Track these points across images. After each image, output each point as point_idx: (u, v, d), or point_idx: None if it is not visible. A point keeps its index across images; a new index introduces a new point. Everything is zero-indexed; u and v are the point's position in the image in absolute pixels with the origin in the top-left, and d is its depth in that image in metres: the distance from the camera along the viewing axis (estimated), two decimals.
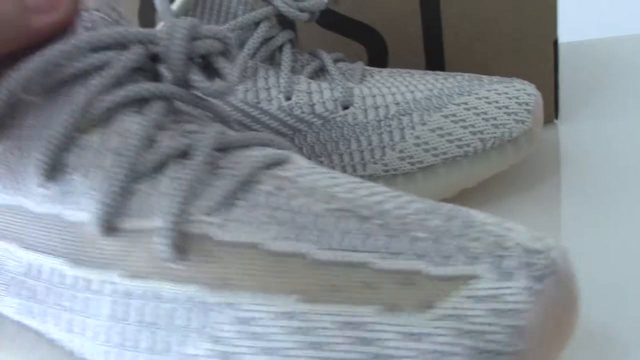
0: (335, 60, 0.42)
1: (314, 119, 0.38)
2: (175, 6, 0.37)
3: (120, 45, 0.26)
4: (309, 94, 0.38)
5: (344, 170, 0.38)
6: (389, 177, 0.38)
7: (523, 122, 0.39)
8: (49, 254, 0.25)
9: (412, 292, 0.21)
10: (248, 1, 0.40)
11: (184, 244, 0.23)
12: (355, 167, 0.38)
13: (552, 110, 0.48)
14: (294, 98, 0.38)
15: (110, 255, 0.24)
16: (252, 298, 0.22)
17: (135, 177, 0.24)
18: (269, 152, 0.26)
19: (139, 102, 0.26)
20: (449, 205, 0.24)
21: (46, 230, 0.25)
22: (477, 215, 0.23)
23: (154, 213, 0.24)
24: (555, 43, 0.46)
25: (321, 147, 0.38)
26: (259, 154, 0.26)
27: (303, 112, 0.38)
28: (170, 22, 0.26)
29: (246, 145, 0.26)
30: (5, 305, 0.26)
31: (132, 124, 0.25)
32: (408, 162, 0.38)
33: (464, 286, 0.20)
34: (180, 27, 0.26)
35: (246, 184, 0.24)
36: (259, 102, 0.38)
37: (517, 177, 0.43)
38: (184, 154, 0.25)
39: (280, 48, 0.40)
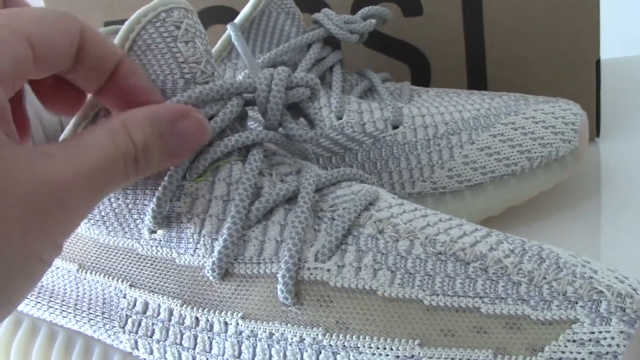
0: (383, 81, 0.43)
1: (365, 138, 0.39)
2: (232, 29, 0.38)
3: (223, 96, 0.27)
4: (360, 114, 0.40)
5: (392, 188, 0.39)
6: (438, 195, 0.39)
7: (570, 141, 0.39)
8: (164, 294, 0.27)
9: (520, 336, 0.22)
10: (300, 24, 0.41)
11: (302, 289, 0.25)
12: (404, 185, 0.39)
13: (593, 128, 0.49)
14: (345, 117, 0.39)
15: (229, 299, 0.26)
16: (373, 342, 0.23)
17: (247, 225, 0.26)
18: (361, 191, 0.28)
19: (240, 149, 0.27)
20: (535, 245, 0.25)
21: (160, 273, 0.27)
22: (562, 254, 0.25)
23: (268, 259, 0.25)
24: (598, 62, 0.47)
25: (371, 165, 0.39)
26: (353, 194, 0.27)
27: (354, 132, 0.39)
28: (267, 72, 0.27)
29: (335, 183, 0.28)
30: (121, 342, 0.28)
31: (237, 172, 0.27)
32: (456, 181, 0.39)
33: (568, 330, 0.22)
34: (277, 78, 0.27)
35: (351, 228, 0.26)
36: (319, 137, 0.39)
37: (559, 195, 0.43)
38: (287, 199, 0.27)
39: (330, 69, 0.42)
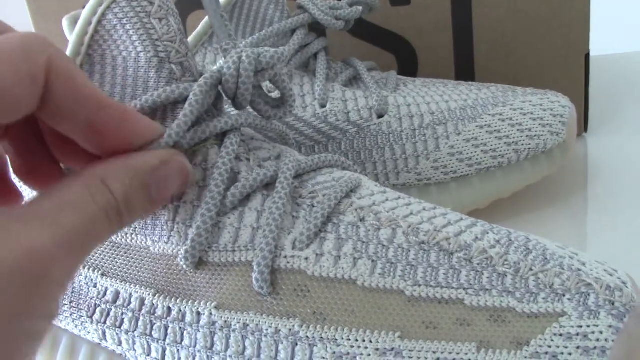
0: (368, 69, 0.42)
1: (349, 127, 0.38)
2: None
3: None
4: (344, 102, 0.38)
5: (376, 179, 0.38)
6: (422, 186, 0.38)
7: (558, 134, 0.39)
8: (136, 284, 0.26)
9: (505, 329, 0.21)
10: (284, 9, 0.40)
11: (278, 278, 0.24)
12: (388, 176, 0.38)
13: (581, 123, 0.48)
14: (328, 106, 0.38)
15: (203, 288, 0.24)
16: (352, 334, 0.22)
17: (223, 211, 0.25)
18: (342, 177, 0.26)
19: (216, 134, 0.26)
20: (521, 236, 0.25)
21: (134, 261, 0.26)
22: (550, 246, 0.24)
23: (244, 247, 0.24)
24: (587, 56, 0.46)
25: (355, 155, 0.38)
26: (334, 181, 0.26)
27: (338, 120, 0.38)
28: (235, 55, 0.26)
29: (316, 169, 0.27)
30: (89, 332, 0.27)
31: (213, 156, 0.26)
32: (442, 172, 0.38)
33: (555, 324, 0.21)
34: (247, 62, 0.25)
35: (331, 215, 0.25)
36: (293, 110, 0.38)
37: (546, 188, 0.43)
38: (265, 185, 0.25)
39: (315, 56, 0.40)
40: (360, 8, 0.41)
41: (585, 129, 0.49)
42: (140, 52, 0.25)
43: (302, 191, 0.25)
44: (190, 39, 0.39)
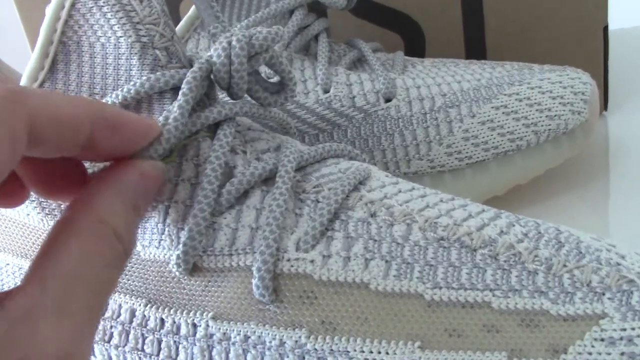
0: (373, 51, 0.39)
1: (355, 113, 0.35)
2: None
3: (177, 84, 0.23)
4: (349, 86, 0.36)
5: (386, 167, 0.36)
6: (435, 174, 0.36)
7: (579, 112, 0.36)
8: (126, 293, 0.23)
9: (539, 335, 0.19)
10: None
11: (281, 284, 0.21)
12: (398, 164, 0.36)
13: (601, 101, 0.45)
14: (332, 90, 0.36)
15: (198, 297, 0.22)
16: (365, 345, 0.20)
17: (218, 210, 0.22)
18: (349, 168, 0.24)
19: (208, 126, 0.24)
20: (551, 227, 0.22)
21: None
22: (583, 238, 0.21)
23: (242, 250, 0.22)
24: (605, 29, 0.43)
25: (362, 142, 0.35)
26: (340, 172, 0.24)
27: (342, 106, 0.35)
28: (224, 41, 0.23)
29: (320, 160, 0.24)
30: None
31: (205, 150, 0.23)
32: (456, 158, 0.35)
33: (595, 327, 0.19)
34: (238, 47, 0.23)
35: (338, 211, 0.22)
36: (294, 96, 0.36)
37: (565, 172, 0.40)
38: (264, 180, 0.23)
39: (315, 38, 0.38)
40: None
41: (606, 107, 0.46)
42: (120, 37, 0.23)
43: (305, 185, 0.23)
44: (181, 23, 0.36)
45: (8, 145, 0.17)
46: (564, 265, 0.20)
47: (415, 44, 0.46)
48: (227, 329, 0.21)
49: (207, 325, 0.22)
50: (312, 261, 0.21)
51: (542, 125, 0.35)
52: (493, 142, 0.35)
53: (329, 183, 0.23)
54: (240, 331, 0.21)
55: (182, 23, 0.36)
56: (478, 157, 0.35)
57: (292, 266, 0.21)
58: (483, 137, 0.35)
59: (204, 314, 0.22)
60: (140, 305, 0.23)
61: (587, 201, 0.38)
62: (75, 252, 0.19)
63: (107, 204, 0.20)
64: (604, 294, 0.19)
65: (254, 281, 0.21)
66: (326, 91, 0.36)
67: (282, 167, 0.22)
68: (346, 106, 0.35)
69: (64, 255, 0.18)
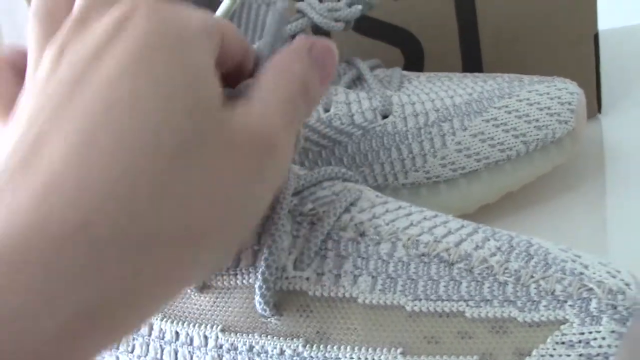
0: (372, 68, 0.42)
1: (354, 130, 0.38)
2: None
3: None
4: (348, 105, 0.38)
5: (385, 179, 0.38)
6: (431, 184, 0.38)
7: (566, 122, 0.38)
8: None
9: (507, 340, 0.21)
10: (283, 14, 0.40)
11: (281, 299, 0.24)
12: (396, 176, 0.38)
13: (594, 105, 0.47)
14: (332, 109, 0.38)
15: (208, 311, 0.25)
16: (354, 352, 0.23)
17: None
18: (342, 191, 0.27)
19: None
20: (523, 240, 0.24)
21: None
22: (552, 249, 0.24)
23: (245, 270, 0.24)
24: (596, 37, 0.45)
25: (362, 157, 0.38)
26: (334, 195, 0.26)
27: (342, 123, 0.38)
28: None
29: (316, 183, 0.27)
30: (103, 358, 0.27)
31: None
32: (450, 169, 0.38)
33: (556, 332, 0.21)
34: None
35: (331, 232, 0.25)
36: None
37: (561, 176, 0.42)
38: None
39: None
40: (360, 7, 0.41)
41: (599, 110, 0.48)
42: None
43: (302, 209, 0.26)
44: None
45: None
46: (531, 276, 0.23)
47: (415, 57, 0.48)
48: (234, 340, 0.24)
49: (217, 337, 0.24)
50: (307, 279, 0.24)
51: (530, 136, 0.38)
52: (484, 153, 0.37)
53: (323, 206, 0.26)
54: (246, 342, 0.24)
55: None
56: (471, 168, 0.38)
57: (290, 283, 0.24)
58: (475, 149, 0.37)
59: (214, 327, 0.25)
60: (157, 319, 0.26)
61: (583, 204, 0.40)
62: (275, 76, 0.22)
63: (284, 59, 0.23)
64: (566, 302, 0.22)
65: (257, 298, 0.24)
66: (327, 110, 0.38)
67: (280, 194, 0.25)
68: (346, 124, 0.38)
69: (269, 77, 0.22)
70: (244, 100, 0.21)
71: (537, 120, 0.38)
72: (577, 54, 0.46)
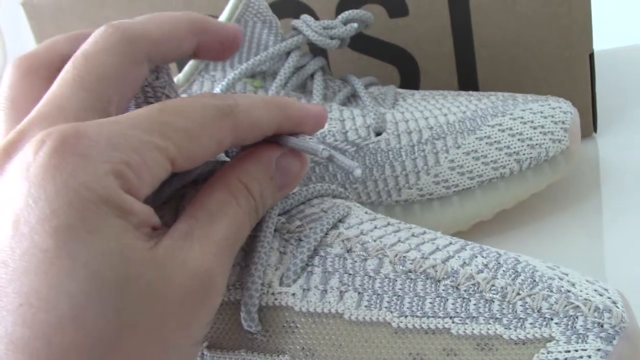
0: (367, 85, 0.42)
1: (347, 147, 0.38)
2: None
3: None
4: (342, 122, 0.39)
5: (378, 196, 0.38)
6: (425, 201, 0.38)
7: (560, 141, 0.38)
8: None
9: (492, 357, 0.21)
10: (278, 32, 0.40)
11: (267, 315, 0.24)
12: (390, 193, 0.38)
13: (590, 124, 0.47)
14: (326, 126, 0.38)
15: None
16: None
17: None
18: (331, 207, 0.27)
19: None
20: (510, 258, 0.24)
21: None
22: (539, 267, 0.24)
23: (232, 286, 0.24)
24: (591, 56, 0.46)
25: None
26: (322, 212, 0.26)
27: (336, 140, 0.38)
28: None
29: (305, 202, 0.27)
30: None
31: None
32: (443, 186, 0.38)
33: (542, 349, 0.21)
34: None
35: (318, 248, 0.25)
36: None
37: (556, 194, 0.42)
38: None
39: (311, 76, 0.41)
40: (355, 25, 0.41)
41: (595, 130, 0.48)
42: None
43: (289, 226, 0.26)
44: (186, 68, 0.39)
45: (216, 147, 0.22)
46: (518, 294, 0.23)
47: (411, 75, 0.48)
48: (220, 357, 0.24)
49: (203, 354, 0.24)
50: (293, 294, 0.24)
51: (523, 154, 0.38)
52: (477, 171, 0.37)
53: (310, 223, 0.26)
54: (232, 358, 0.24)
55: (186, 67, 0.39)
56: (464, 185, 0.38)
57: (275, 299, 0.24)
58: (468, 167, 0.37)
59: (205, 343, 0.24)
60: None
61: (579, 222, 0.40)
62: (224, 195, 0.23)
63: (245, 168, 0.24)
64: (552, 319, 0.22)
65: (242, 314, 0.24)
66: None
67: (266, 213, 0.25)
68: (339, 140, 0.38)
69: (214, 197, 0.22)
70: (183, 231, 0.21)
71: (530, 139, 0.38)
72: (573, 74, 0.46)
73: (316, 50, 0.45)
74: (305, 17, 0.41)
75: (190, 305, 0.20)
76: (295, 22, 0.40)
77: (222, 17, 0.39)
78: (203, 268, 0.20)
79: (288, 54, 0.40)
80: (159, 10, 0.47)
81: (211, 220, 0.22)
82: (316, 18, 0.44)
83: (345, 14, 0.41)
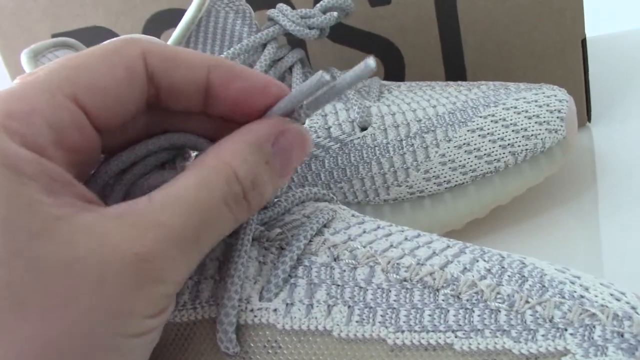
0: None
1: (331, 143, 0.36)
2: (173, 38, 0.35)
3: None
4: (324, 117, 0.36)
5: (366, 195, 0.36)
6: (415, 199, 0.36)
7: (556, 131, 0.36)
8: None
9: None
10: (252, 22, 0.37)
11: (246, 334, 0.21)
12: (378, 191, 0.36)
13: (584, 113, 0.45)
14: (307, 122, 0.36)
15: (167, 351, 0.22)
16: None
17: None
18: (314, 212, 0.24)
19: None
20: (515, 260, 0.22)
21: None
22: (548, 270, 0.21)
23: (205, 302, 0.22)
24: (584, 42, 0.43)
25: (340, 172, 0.35)
26: (304, 217, 0.24)
27: (318, 137, 0.36)
28: None
29: (284, 212, 0.24)
30: None
31: None
32: (434, 183, 0.35)
33: None
34: None
35: (302, 257, 0.22)
36: None
37: (551, 188, 0.40)
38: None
39: (290, 69, 0.38)
40: (335, 14, 0.38)
41: (589, 119, 0.46)
42: None
43: (269, 234, 0.23)
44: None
45: (124, 71, 0.20)
46: (527, 302, 0.20)
47: (395, 66, 0.46)
48: None
49: None
50: (275, 310, 0.21)
51: (519, 146, 0.35)
52: (470, 166, 0.35)
53: (292, 230, 0.23)
54: None
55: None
56: (456, 181, 0.35)
57: (255, 316, 0.21)
58: (460, 161, 0.35)
59: None
60: None
61: (576, 215, 0.38)
62: (191, 179, 0.20)
63: (234, 148, 0.21)
64: (566, 330, 0.19)
65: (218, 335, 0.21)
66: (302, 123, 0.36)
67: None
68: (322, 137, 0.36)
69: (180, 181, 0.20)
70: (117, 212, 0.19)
71: (525, 130, 0.35)
72: (565, 61, 0.44)
73: (294, 42, 0.42)
74: (281, 6, 0.38)
75: (113, 290, 0.18)
76: (271, 12, 0.38)
77: (191, 9, 0.36)
78: (133, 251, 0.18)
79: (264, 45, 0.37)
80: (126, 4, 0.44)
81: (164, 205, 0.19)
82: (293, 7, 0.41)
83: (324, 2, 0.38)
